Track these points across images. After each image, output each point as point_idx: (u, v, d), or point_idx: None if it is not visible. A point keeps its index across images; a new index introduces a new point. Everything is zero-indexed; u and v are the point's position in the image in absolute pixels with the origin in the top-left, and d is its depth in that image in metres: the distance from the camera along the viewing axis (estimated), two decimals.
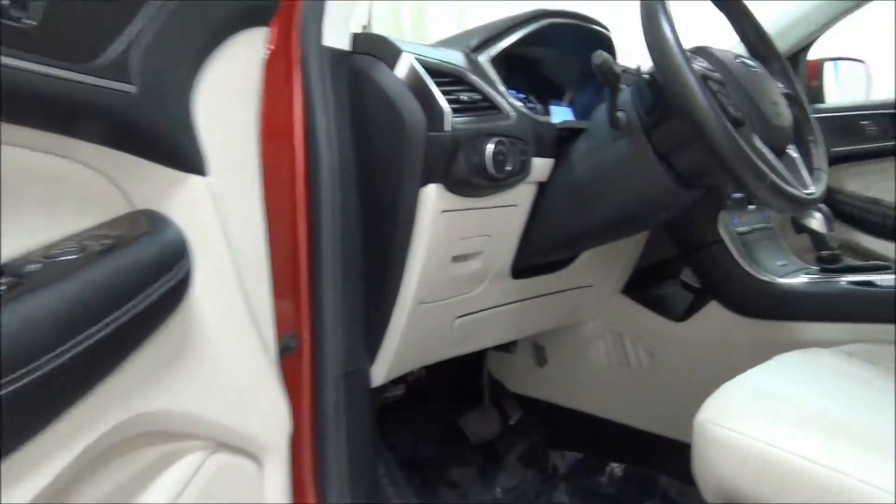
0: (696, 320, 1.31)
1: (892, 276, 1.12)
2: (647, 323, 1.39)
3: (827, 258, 1.24)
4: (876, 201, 1.80)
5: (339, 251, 0.90)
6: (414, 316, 0.99)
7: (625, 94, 0.95)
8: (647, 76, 0.91)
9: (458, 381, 1.61)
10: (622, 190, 0.98)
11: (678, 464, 1.39)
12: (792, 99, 1.00)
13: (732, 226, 1.28)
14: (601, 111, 0.99)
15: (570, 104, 1.27)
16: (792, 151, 0.96)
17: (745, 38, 1.07)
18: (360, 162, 0.92)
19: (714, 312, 1.29)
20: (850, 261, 1.22)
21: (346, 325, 0.92)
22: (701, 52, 0.91)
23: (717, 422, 0.81)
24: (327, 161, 0.88)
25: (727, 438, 0.79)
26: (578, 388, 1.52)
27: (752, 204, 1.36)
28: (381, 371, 1.01)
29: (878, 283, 1.12)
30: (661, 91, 0.88)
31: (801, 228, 1.26)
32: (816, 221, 1.24)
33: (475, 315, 1.13)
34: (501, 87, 1.00)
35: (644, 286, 1.44)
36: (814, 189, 0.92)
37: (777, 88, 0.96)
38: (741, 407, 0.82)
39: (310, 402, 0.92)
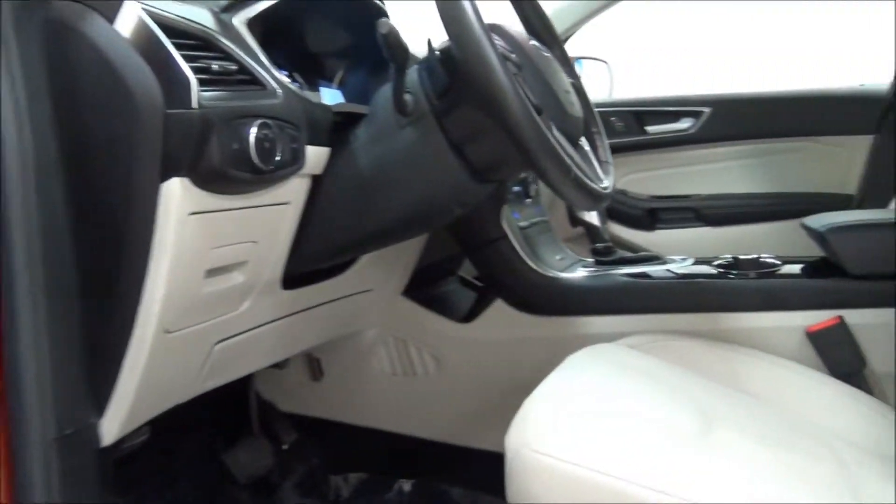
0: (481, 320, 1.25)
1: (664, 267, 1.15)
2: (432, 326, 1.29)
3: (601, 251, 1.25)
4: (624, 192, 1.94)
5: (41, 273, 0.65)
6: (158, 349, 0.76)
7: (412, 74, 0.83)
8: (438, 53, 0.79)
9: (220, 408, 1.38)
10: (411, 185, 0.86)
11: (471, 472, 1.33)
12: (576, 89, 0.96)
13: (514, 220, 1.24)
14: (384, 93, 0.86)
15: (341, 86, 1.12)
16: (583, 143, 0.91)
17: (526, 22, 1.01)
18: (68, 148, 0.67)
19: (499, 311, 1.23)
20: (622, 253, 1.25)
21: (57, 372, 0.67)
22: (496, 29, 0.82)
23: (527, 445, 0.73)
24: (14, 145, 0.62)
25: (538, 463, 0.72)
26: (360, 401, 1.38)
27: (529, 197, 1.33)
28: (114, 425, 0.77)
29: (653, 274, 1.14)
30: (456, 71, 0.77)
31: (577, 221, 1.26)
32: (591, 214, 1.24)
33: (239, 337, 0.93)
34: (263, 58, 0.81)
35: (425, 286, 1.35)
36: (607, 182, 0.88)
37: (566, 76, 0.91)
38: (547, 427, 0.75)
39: (6, 485, 0.66)
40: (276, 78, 0.79)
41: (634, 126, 1.97)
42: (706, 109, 1.90)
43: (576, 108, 0.86)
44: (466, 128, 0.80)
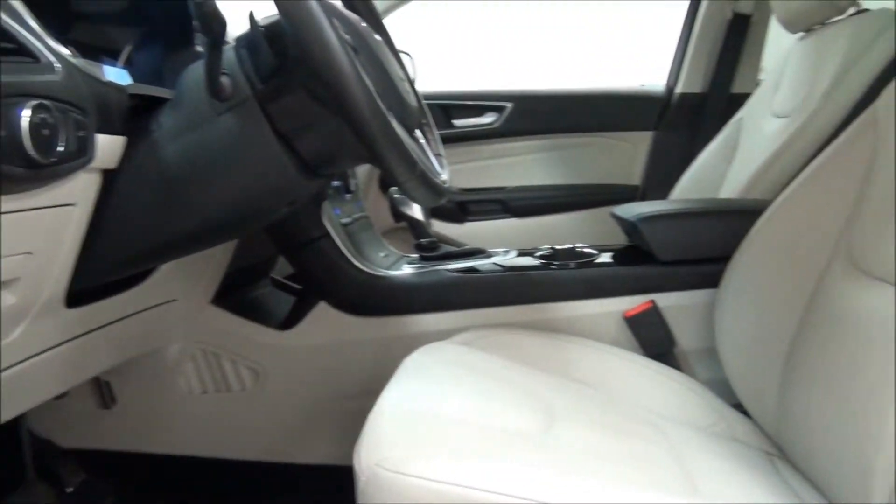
0: (303, 326, 1.15)
1: (490, 261, 1.15)
2: (247, 335, 1.17)
3: (426, 246, 1.22)
4: None
5: None
6: None
7: (228, 53, 0.71)
8: (263, 29, 0.69)
9: None
10: (229, 181, 0.75)
11: (298, 490, 1.23)
12: (407, 77, 0.91)
13: (336, 217, 1.16)
14: (194, 74, 0.73)
15: (127, 65, 0.96)
16: (417, 136, 0.87)
17: (348, 3, 0.94)
18: None
19: (322, 314, 1.15)
20: (447, 247, 1.23)
21: None
22: (327, 7, 0.73)
23: (381, 464, 0.67)
24: None
25: (396, 483, 0.66)
26: (164, 426, 1.21)
27: (350, 192, 1.26)
28: None
29: (480, 268, 1.13)
30: (286, 51, 0.67)
31: (400, 216, 1.22)
32: (415, 209, 1.20)
33: (10, 371, 0.75)
34: (34, 23, 0.64)
35: (236, 292, 1.22)
36: (445, 176, 0.84)
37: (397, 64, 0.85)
38: (399, 442, 0.69)
39: None
40: (54, 49, 0.64)
41: (442, 119, 1.99)
42: (508, 104, 1.97)
43: (412, 98, 0.81)
44: (296, 116, 0.71)
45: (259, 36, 0.69)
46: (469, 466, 0.67)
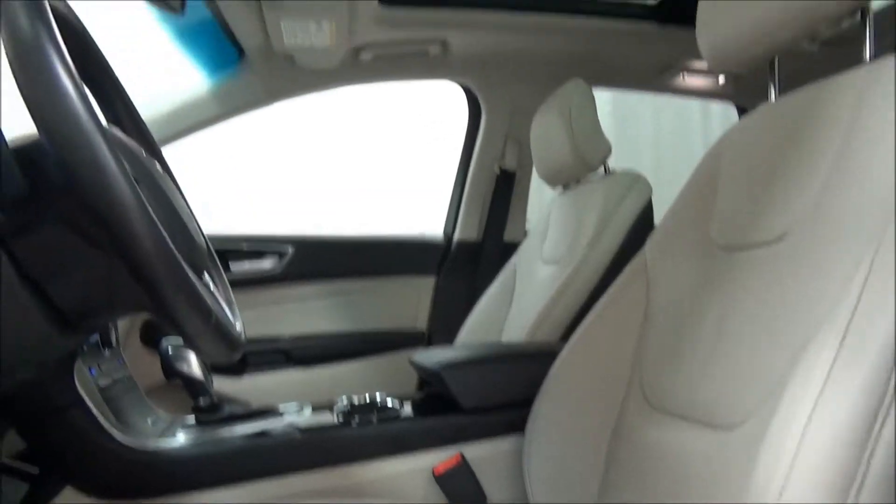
0: None
1: (285, 421, 1.02)
2: None
3: (206, 408, 1.05)
4: None
5: None
6: None
7: None
8: (15, 149, 0.56)
9: None
10: None
11: None
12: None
13: (92, 379, 0.96)
14: None
15: None
16: (207, 280, 0.75)
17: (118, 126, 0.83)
18: None
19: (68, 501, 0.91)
20: (231, 408, 1.07)
21: None
22: (98, 126, 0.62)
23: None
24: None
25: None
26: None
27: (109, 347, 1.06)
28: None
29: (273, 431, 0.99)
30: (44, 175, 0.55)
31: (174, 373, 1.04)
32: (193, 363, 1.04)
33: None
34: None
35: None
36: (240, 327, 0.73)
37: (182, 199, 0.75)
38: None
39: None
40: None
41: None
42: (289, 249, 1.90)
43: (201, 237, 0.71)
44: (52, 256, 0.57)
45: (8, 157, 0.56)
46: None
